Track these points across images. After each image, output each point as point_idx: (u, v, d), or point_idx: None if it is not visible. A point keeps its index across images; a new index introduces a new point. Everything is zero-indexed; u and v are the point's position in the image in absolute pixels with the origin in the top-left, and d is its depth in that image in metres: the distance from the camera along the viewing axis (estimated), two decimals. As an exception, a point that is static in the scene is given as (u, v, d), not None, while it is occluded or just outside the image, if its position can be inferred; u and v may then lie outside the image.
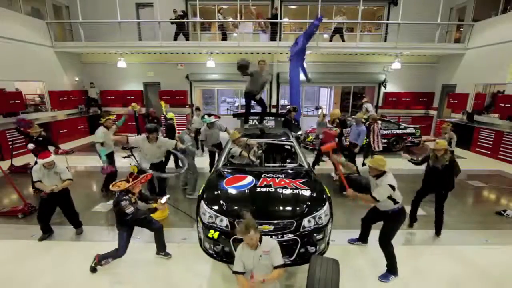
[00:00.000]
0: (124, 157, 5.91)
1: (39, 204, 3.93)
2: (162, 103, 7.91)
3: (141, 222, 3.35)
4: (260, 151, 4.51)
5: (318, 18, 9.07)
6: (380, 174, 3.14)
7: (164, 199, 3.31)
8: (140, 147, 4.69)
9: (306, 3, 11.52)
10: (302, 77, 9.29)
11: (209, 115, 6.28)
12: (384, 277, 3.22)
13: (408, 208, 4.38)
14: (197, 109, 8.71)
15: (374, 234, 3.53)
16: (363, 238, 3.86)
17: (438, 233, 4.15)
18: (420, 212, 4.46)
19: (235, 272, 2.50)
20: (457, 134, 5.43)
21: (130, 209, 2.99)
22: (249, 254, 2.46)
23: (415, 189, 4.35)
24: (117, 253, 3.22)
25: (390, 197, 3.10)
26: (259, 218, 2.81)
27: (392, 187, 3.04)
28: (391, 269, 3.24)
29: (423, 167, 4.20)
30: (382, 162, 3.11)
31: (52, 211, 4.01)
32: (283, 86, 12.08)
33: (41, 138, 5.34)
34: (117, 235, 3.25)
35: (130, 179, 3.12)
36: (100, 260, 3.25)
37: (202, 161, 6.84)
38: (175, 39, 10.70)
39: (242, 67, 5.42)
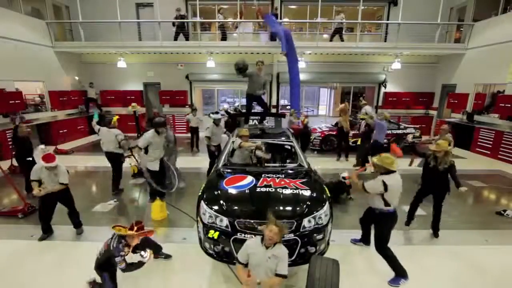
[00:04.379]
0: (124, 157, 5.92)
1: (39, 204, 3.92)
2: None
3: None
4: (263, 154, 4.43)
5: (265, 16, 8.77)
6: (386, 172, 3.03)
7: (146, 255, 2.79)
8: (151, 144, 4.62)
9: (306, 3, 11.51)
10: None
11: (216, 112, 6.23)
12: (393, 282, 3.13)
13: (406, 208, 4.42)
14: (194, 109, 9.16)
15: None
16: (365, 240, 3.83)
17: (436, 234, 4.12)
18: (420, 212, 4.44)
19: (236, 260, 2.57)
20: (457, 134, 5.43)
21: (122, 266, 2.57)
22: (259, 251, 2.47)
23: (415, 190, 4.32)
24: None
25: (382, 197, 3.04)
26: (259, 218, 2.82)
27: (385, 186, 2.94)
28: (399, 273, 3.14)
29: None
30: (388, 160, 2.99)
31: (53, 209, 3.99)
32: (283, 86, 12.09)
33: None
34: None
35: (135, 228, 2.64)
36: None
37: (200, 161, 6.84)
38: (176, 39, 10.69)
39: (240, 69, 5.48)
